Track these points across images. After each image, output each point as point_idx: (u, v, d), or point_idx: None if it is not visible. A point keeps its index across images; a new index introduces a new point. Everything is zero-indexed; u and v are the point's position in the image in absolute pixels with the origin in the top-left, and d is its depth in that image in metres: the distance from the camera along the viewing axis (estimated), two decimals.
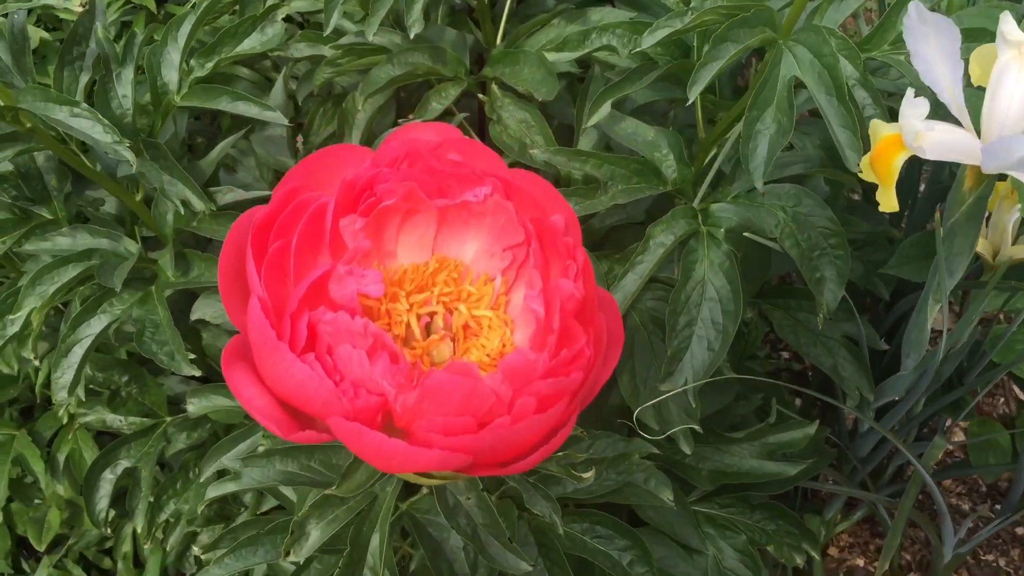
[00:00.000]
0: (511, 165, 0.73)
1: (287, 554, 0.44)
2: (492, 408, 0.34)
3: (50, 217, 0.70)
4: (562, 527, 0.54)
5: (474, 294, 0.40)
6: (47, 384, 0.85)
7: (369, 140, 0.70)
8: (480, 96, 0.69)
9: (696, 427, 0.60)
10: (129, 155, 0.56)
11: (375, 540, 0.46)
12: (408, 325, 0.39)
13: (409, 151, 0.38)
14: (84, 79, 0.63)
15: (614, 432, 0.70)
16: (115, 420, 0.77)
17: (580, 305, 0.36)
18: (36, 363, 0.65)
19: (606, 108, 0.58)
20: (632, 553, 0.60)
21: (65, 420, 0.83)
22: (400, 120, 0.73)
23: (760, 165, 0.51)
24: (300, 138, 0.73)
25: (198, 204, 0.63)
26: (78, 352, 0.63)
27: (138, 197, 0.68)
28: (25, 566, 0.94)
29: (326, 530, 0.45)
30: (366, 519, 0.47)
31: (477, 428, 0.33)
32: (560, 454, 0.48)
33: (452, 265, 0.40)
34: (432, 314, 0.39)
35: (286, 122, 0.61)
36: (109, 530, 0.78)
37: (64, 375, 0.62)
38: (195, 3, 0.65)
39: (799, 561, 0.76)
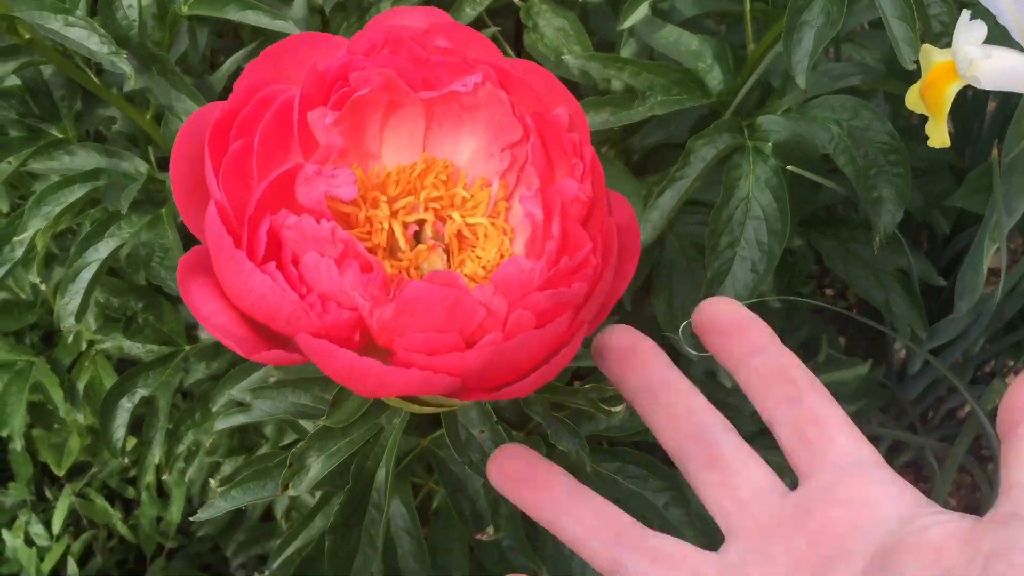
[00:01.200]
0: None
1: (285, 488, 0.41)
2: (483, 324, 0.29)
3: (60, 136, 0.66)
4: (591, 466, 0.51)
5: (469, 199, 0.35)
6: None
7: None
8: (516, 1, 0.65)
9: None
10: (127, 67, 0.52)
11: (380, 474, 0.43)
12: (391, 234, 0.34)
13: (389, 37, 0.33)
14: None
15: None
16: (133, 347, 0.75)
17: (586, 209, 0.32)
18: (42, 287, 0.62)
19: (643, 9, 0.53)
20: (668, 495, 0.56)
21: (84, 347, 0.82)
22: None
23: (803, 60, 0.46)
24: None
25: None
26: (85, 277, 0.60)
27: (148, 115, 0.64)
28: (48, 494, 0.93)
29: (327, 463, 0.42)
30: (371, 452, 0.44)
31: (465, 346, 0.29)
32: (588, 386, 0.44)
33: (442, 166, 0.35)
34: (421, 222, 0.35)
35: (297, 30, 0.57)
36: (127, 459, 0.76)
37: (71, 301, 0.60)
38: None
39: None
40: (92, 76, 0.61)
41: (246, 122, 0.32)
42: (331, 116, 0.33)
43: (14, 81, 0.66)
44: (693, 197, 0.55)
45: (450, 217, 0.35)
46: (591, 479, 0.55)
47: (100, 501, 0.88)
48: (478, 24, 0.63)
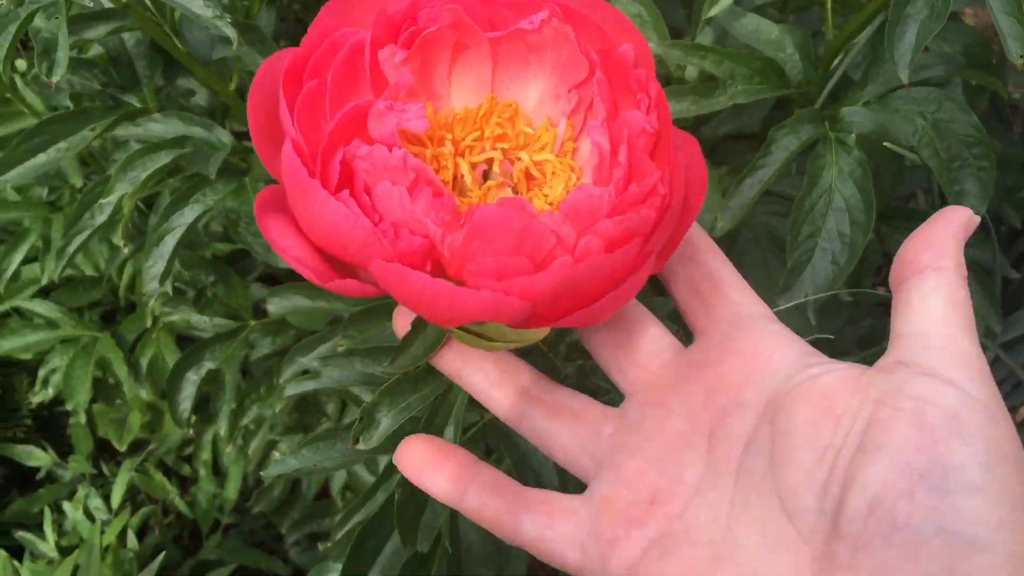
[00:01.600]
0: None
1: (356, 441, 0.42)
2: (552, 250, 0.29)
3: (139, 106, 0.68)
4: None
5: (536, 139, 0.35)
6: (131, 287, 0.84)
7: None
8: None
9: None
10: (231, 32, 0.53)
11: (449, 431, 0.44)
12: (458, 171, 0.34)
13: None
14: None
15: None
16: (200, 320, 0.76)
17: (652, 141, 0.32)
18: (125, 251, 0.63)
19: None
20: None
21: (149, 323, 0.83)
22: None
23: (906, 54, 0.46)
24: None
25: None
26: (170, 242, 0.61)
27: (232, 86, 0.65)
28: (105, 469, 0.95)
29: (397, 418, 0.42)
30: (440, 408, 0.44)
31: (534, 270, 0.29)
32: None
33: (511, 107, 0.36)
34: (489, 161, 0.35)
35: None
36: (192, 431, 0.78)
37: (155, 265, 0.61)
38: None
39: None
40: (179, 44, 0.62)
41: (319, 64, 0.32)
42: (400, 54, 0.33)
43: (98, 51, 0.67)
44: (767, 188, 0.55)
45: (518, 157, 0.35)
46: None
47: (159, 476, 0.90)
48: None
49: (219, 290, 0.76)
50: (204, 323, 0.75)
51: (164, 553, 0.65)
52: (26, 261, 0.91)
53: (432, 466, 0.36)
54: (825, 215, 0.52)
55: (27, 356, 0.85)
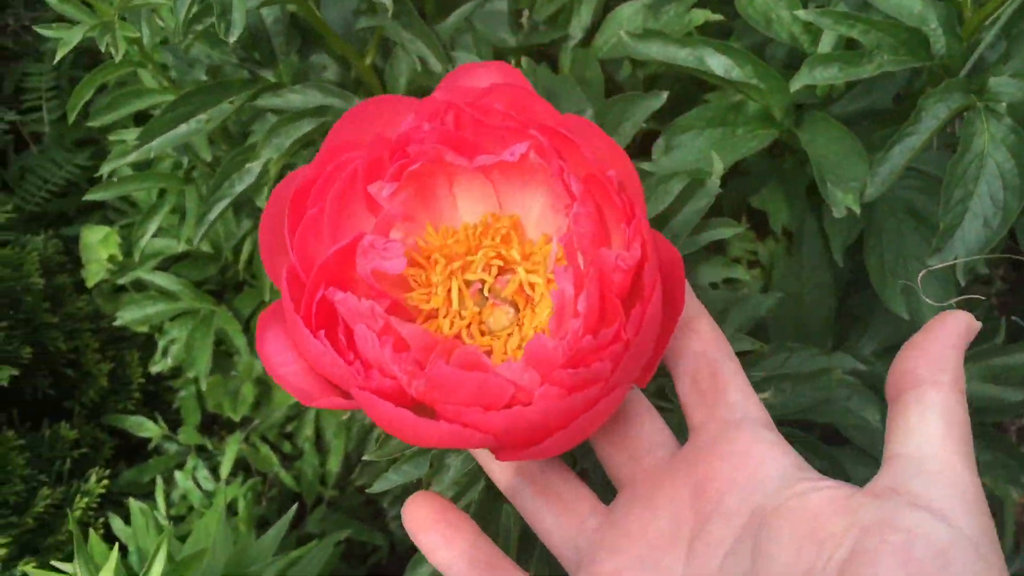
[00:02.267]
0: (756, 42, 0.70)
1: (428, 485, 0.44)
2: (513, 397, 0.31)
3: (274, 80, 0.70)
4: None
5: (531, 256, 0.36)
6: (249, 263, 0.86)
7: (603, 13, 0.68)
8: None
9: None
10: (387, 1, 0.55)
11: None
12: (449, 293, 0.35)
13: (449, 103, 0.34)
14: None
15: (814, 345, 0.67)
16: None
17: (629, 276, 0.32)
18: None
19: None
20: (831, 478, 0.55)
21: (268, 296, 0.85)
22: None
23: None
24: (526, 13, 0.71)
25: (436, 64, 0.62)
26: None
27: (368, 60, 0.67)
28: (208, 444, 0.97)
29: (466, 463, 0.44)
30: None
31: (494, 412, 0.31)
32: None
33: (508, 222, 0.36)
34: (483, 280, 0.36)
35: None
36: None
37: None
38: None
39: (1015, 495, 0.71)
40: (319, 15, 0.64)
41: (320, 190, 0.34)
42: (388, 188, 0.35)
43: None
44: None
45: (513, 271, 0.36)
46: None
47: (265, 449, 0.92)
48: None
49: None
50: None
51: (296, 506, 0.66)
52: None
53: (431, 529, 0.36)
54: (977, 179, 0.52)
55: (144, 328, 0.88)
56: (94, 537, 0.55)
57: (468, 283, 0.36)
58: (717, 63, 0.59)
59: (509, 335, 0.35)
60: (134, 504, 0.74)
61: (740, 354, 0.60)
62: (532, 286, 0.35)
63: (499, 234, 0.36)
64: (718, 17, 0.64)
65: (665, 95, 0.55)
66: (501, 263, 0.36)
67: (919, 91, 0.64)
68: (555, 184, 0.34)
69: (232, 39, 0.52)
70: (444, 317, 0.35)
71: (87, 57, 1.15)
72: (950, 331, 0.31)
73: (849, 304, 0.77)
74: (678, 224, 0.49)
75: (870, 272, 0.57)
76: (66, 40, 0.59)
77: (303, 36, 0.70)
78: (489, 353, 0.35)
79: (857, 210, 0.50)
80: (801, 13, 0.56)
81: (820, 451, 0.56)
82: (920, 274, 0.55)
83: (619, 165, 0.34)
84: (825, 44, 0.62)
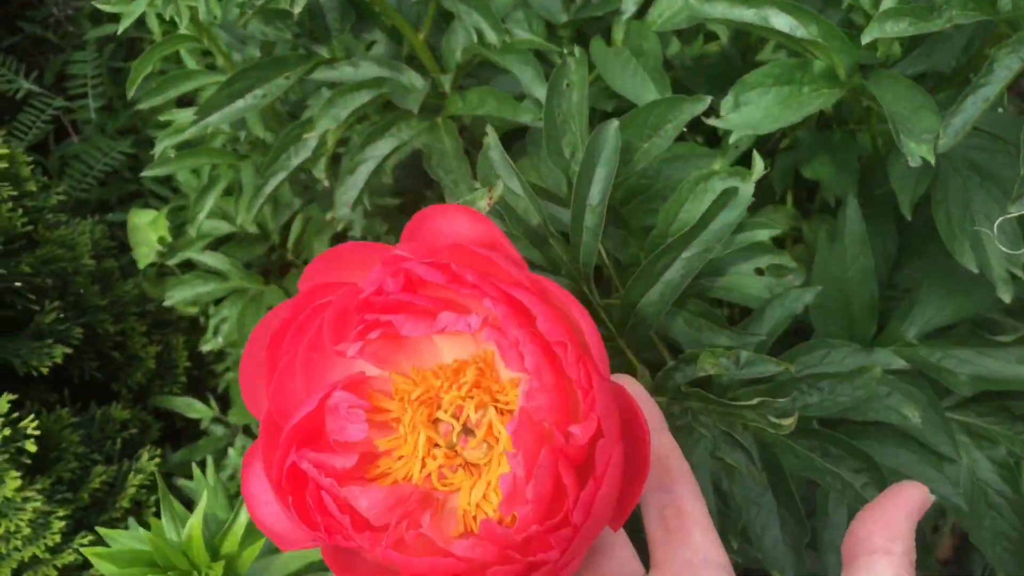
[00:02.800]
0: (827, 5, 0.70)
1: None
2: (466, 570, 0.32)
3: (327, 56, 0.70)
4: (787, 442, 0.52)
5: (503, 395, 0.36)
6: (297, 244, 0.87)
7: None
8: None
9: (1019, 272, 0.56)
10: None
11: None
12: (418, 441, 0.36)
13: (408, 271, 0.34)
14: None
15: (855, 333, 0.66)
16: None
17: (584, 450, 0.32)
18: (325, 183, 0.65)
19: None
20: (866, 475, 0.55)
21: None
22: None
23: None
24: None
25: (492, 35, 0.62)
26: (363, 172, 0.63)
27: (421, 36, 0.67)
28: (254, 425, 0.97)
29: None
30: None
31: None
32: (755, 401, 0.45)
33: (486, 357, 0.36)
34: (459, 411, 0.36)
35: None
36: None
37: (348, 192, 0.63)
38: None
39: None
40: None
41: (294, 337, 0.35)
42: (354, 348, 0.35)
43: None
44: None
45: (486, 407, 0.36)
46: (784, 451, 0.55)
47: None
48: None
49: (391, 240, 0.78)
50: None
51: None
52: (188, 222, 0.95)
53: None
54: None
55: (193, 309, 0.88)
56: (168, 498, 0.55)
57: (439, 421, 0.36)
58: (782, 22, 0.58)
59: (486, 464, 0.36)
60: (198, 472, 0.74)
61: (775, 350, 0.60)
62: (499, 431, 0.36)
63: (472, 375, 0.36)
64: None
65: (709, 99, 0.56)
66: (474, 400, 0.36)
67: (977, 54, 0.64)
68: (510, 354, 0.34)
69: (297, 10, 0.52)
70: (415, 460, 0.36)
71: (126, 48, 1.16)
72: (906, 502, 0.33)
73: (896, 279, 0.76)
74: (709, 236, 0.49)
75: (939, 226, 0.57)
76: (128, 12, 0.60)
77: (358, 11, 0.70)
78: (456, 491, 0.36)
79: (932, 160, 0.50)
80: None
81: (857, 452, 0.56)
82: (997, 221, 0.55)
83: (577, 331, 0.34)
84: (887, 5, 0.62)
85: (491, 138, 0.52)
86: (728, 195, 0.50)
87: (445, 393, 0.36)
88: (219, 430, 0.95)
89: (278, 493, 0.34)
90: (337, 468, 0.35)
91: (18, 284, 0.78)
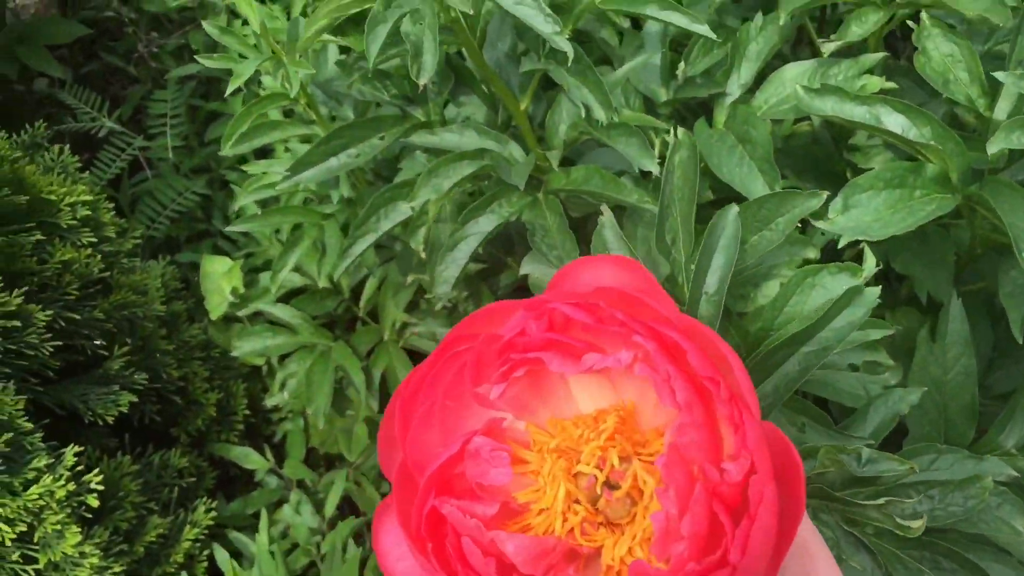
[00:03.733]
0: (931, 98, 0.69)
1: None
2: None
3: (423, 119, 0.70)
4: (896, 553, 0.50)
5: (648, 445, 0.35)
6: (371, 301, 0.86)
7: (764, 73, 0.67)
8: (910, 24, 0.65)
9: None
10: (568, 47, 0.54)
11: None
12: (558, 494, 0.34)
13: (553, 309, 0.34)
14: None
15: (955, 436, 0.64)
16: (445, 334, 0.77)
17: (738, 489, 0.31)
18: (422, 255, 0.64)
19: None
20: None
21: (386, 335, 0.84)
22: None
23: None
24: (681, 65, 0.70)
25: (600, 113, 0.61)
26: (464, 249, 0.62)
27: (523, 106, 0.67)
28: (308, 479, 0.95)
29: None
30: None
31: None
32: (881, 501, 0.43)
33: (626, 409, 0.35)
34: (602, 462, 0.34)
35: (714, 36, 0.58)
36: None
37: (448, 269, 0.62)
38: None
39: None
40: (486, 60, 0.64)
41: (431, 385, 0.34)
42: (497, 390, 0.34)
43: (395, 63, 0.69)
44: None
45: (629, 460, 0.34)
46: (892, 561, 0.53)
47: (370, 489, 0.90)
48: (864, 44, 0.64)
49: (469, 307, 0.77)
50: None
51: None
52: (258, 270, 0.94)
53: None
54: None
55: (259, 361, 0.87)
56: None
57: (580, 475, 0.35)
58: (894, 122, 0.57)
59: (628, 523, 0.34)
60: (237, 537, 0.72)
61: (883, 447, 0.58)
62: (644, 481, 0.34)
63: (613, 423, 0.35)
64: (892, 85, 0.63)
65: (825, 195, 0.54)
66: (616, 447, 0.35)
67: None
68: (662, 389, 0.33)
69: (423, 81, 0.51)
70: (556, 514, 0.35)
71: (205, 86, 1.16)
72: None
73: (988, 381, 0.74)
74: (831, 334, 0.47)
75: None
76: (239, 72, 0.59)
77: (457, 76, 0.69)
78: (599, 552, 0.34)
79: None
80: (999, 74, 0.54)
81: (970, 565, 0.54)
82: None
83: (728, 371, 0.33)
84: (1002, 109, 0.60)
85: (607, 218, 0.50)
86: (852, 294, 0.48)
87: (585, 444, 0.35)
88: (273, 481, 0.94)
89: (415, 542, 0.32)
90: (478, 515, 0.33)
91: (86, 332, 0.77)
